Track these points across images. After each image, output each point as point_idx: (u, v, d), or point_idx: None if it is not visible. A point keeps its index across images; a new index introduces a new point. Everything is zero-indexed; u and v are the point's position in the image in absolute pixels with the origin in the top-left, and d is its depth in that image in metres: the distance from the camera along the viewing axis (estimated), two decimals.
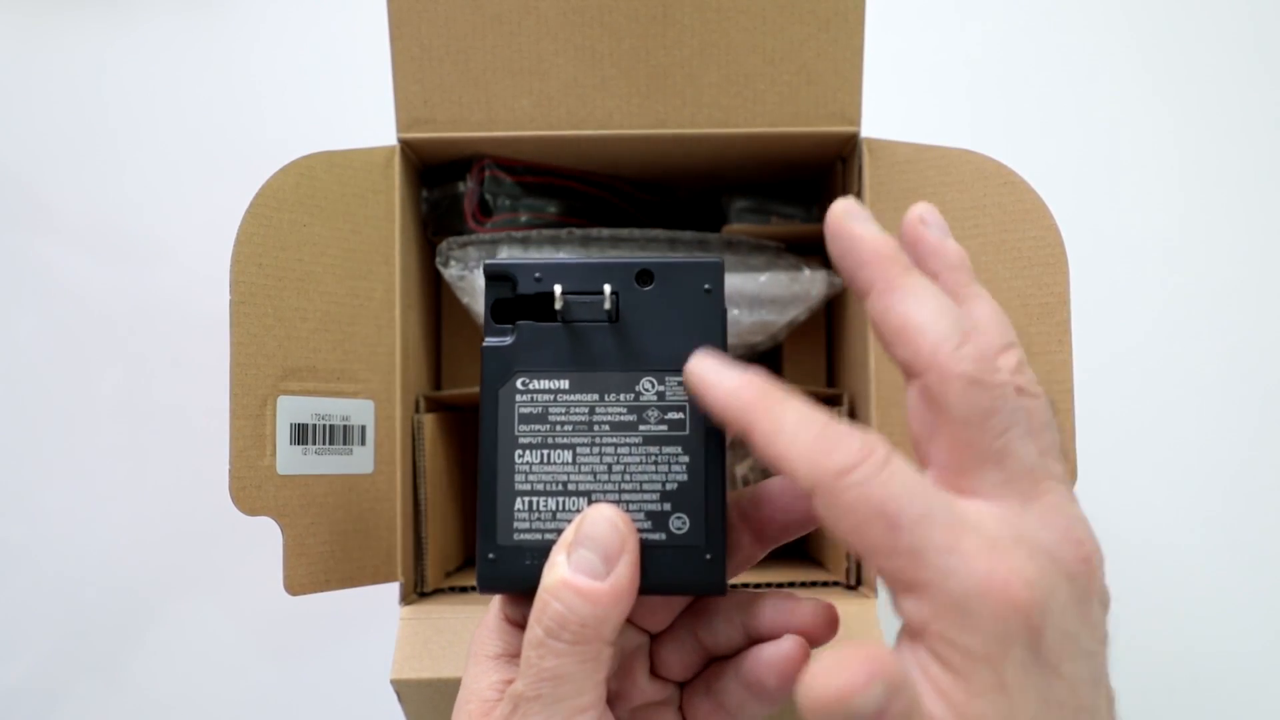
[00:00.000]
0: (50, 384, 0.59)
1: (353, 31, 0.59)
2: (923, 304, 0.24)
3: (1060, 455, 0.25)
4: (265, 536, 0.36)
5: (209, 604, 0.57)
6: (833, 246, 0.26)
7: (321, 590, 0.37)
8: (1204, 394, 0.59)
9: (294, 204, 0.38)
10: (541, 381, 0.26)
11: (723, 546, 0.25)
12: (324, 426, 0.38)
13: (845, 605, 0.38)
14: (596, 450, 0.26)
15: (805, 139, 0.41)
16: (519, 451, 0.26)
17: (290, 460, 0.37)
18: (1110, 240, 0.60)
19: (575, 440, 0.26)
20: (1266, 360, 0.59)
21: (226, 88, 0.61)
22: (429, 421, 0.41)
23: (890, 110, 0.46)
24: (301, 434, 0.37)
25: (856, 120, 0.40)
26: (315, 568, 0.37)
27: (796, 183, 0.47)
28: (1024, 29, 0.62)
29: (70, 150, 0.61)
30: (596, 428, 0.26)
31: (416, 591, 0.40)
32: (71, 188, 0.61)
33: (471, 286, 0.42)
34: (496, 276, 0.27)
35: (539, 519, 0.26)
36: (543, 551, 0.25)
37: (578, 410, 0.26)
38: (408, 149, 0.41)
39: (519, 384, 0.26)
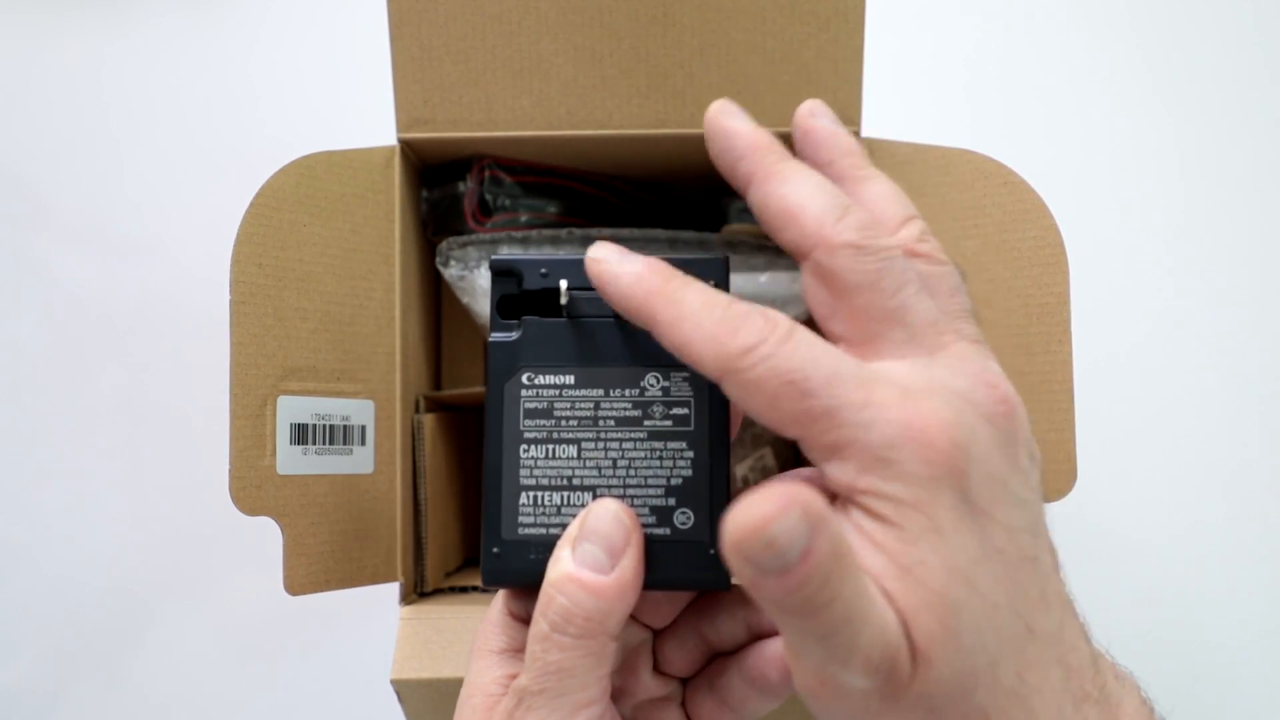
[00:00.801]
0: (50, 384, 0.59)
1: (353, 31, 0.59)
2: (801, 185, 0.25)
3: (972, 319, 0.25)
4: (265, 537, 0.36)
5: (209, 604, 0.57)
6: (711, 146, 0.26)
7: (321, 590, 0.37)
8: (1204, 393, 0.59)
9: (294, 204, 0.38)
10: (547, 376, 0.26)
11: None
12: (324, 426, 0.38)
13: None
14: (601, 445, 0.26)
15: None
16: (524, 446, 0.26)
17: (290, 460, 0.37)
18: (1110, 240, 0.60)
19: (580, 435, 0.26)
20: (1266, 359, 0.59)
21: (226, 87, 0.61)
22: (429, 421, 0.41)
23: (890, 110, 0.46)
24: (301, 434, 0.37)
25: (857, 120, 0.40)
26: (315, 568, 0.37)
27: None
28: (1024, 29, 0.62)
29: (70, 150, 0.61)
30: (601, 423, 0.26)
31: (416, 591, 0.40)
32: (71, 188, 0.61)
33: (471, 287, 0.42)
34: (502, 272, 0.27)
35: (544, 513, 0.26)
36: (547, 546, 0.25)
37: (583, 405, 0.26)
38: (408, 149, 0.41)
39: (524, 379, 0.26)
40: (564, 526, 0.25)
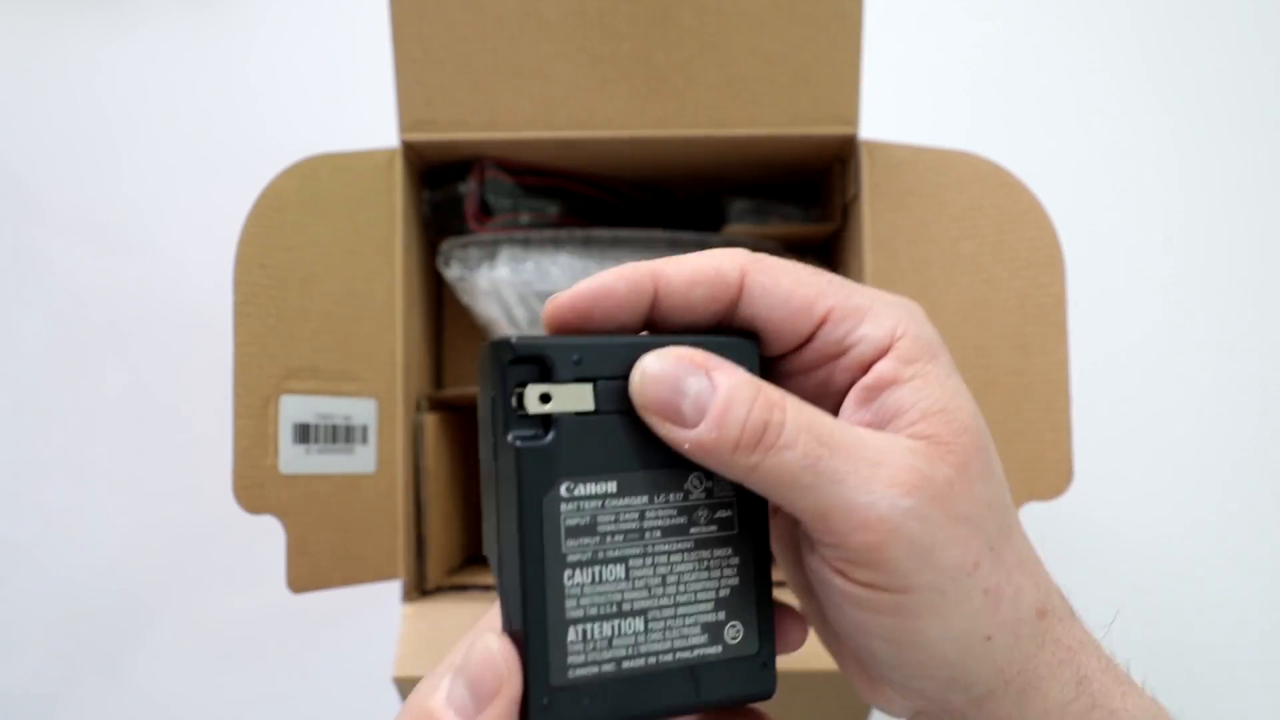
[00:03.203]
0: (52, 385, 0.59)
1: (355, 34, 0.59)
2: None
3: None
4: (268, 535, 0.37)
5: (210, 603, 0.57)
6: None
7: (324, 588, 0.37)
8: (1201, 393, 0.59)
9: (297, 205, 0.38)
10: (588, 486, 0.23)
11: (773, 647, 0.24)
12: (326, 426, 0.38)
13: None
14: (650, 561, 0.23)
15: (804, 141, 0.41)
16: (568, 572, 0.22)
17: (293, 459, 0.37)
18: (1107, 240, 0.60)
19: (628, 552, 0.23)
20: (1263, 359, 0.60)
21: (228, 90, 0.61)
22: (430, 421, 0.41)
23: (888, 112, 0.47)
24: (304, 433, 0.37)
25: (855, 122, 0.40)
26: (318, 566, 0.37)
27: (796, 184, 0.47)
28: (1021, 31, 0.63)
29: (71, 151, 0.61)
30: (648, 535, 0.23)
31: (418, 589, 0.41)
32: (73, 189, 0.61)
33: (472, 287, 0.43)
34: (527, 358, 0.22)
35: (594, 649, 0.22)
36: (603, 687, 0.22)
37: (628, 517, 0.23)
38: (410, 151, 0.41)
39: (564, 491, 0.22)
40: (617, 663, 0.22)
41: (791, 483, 0.22)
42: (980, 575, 0.22)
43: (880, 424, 0.23)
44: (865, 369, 0.23)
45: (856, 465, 0.22)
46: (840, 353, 0.24)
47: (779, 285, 0.23)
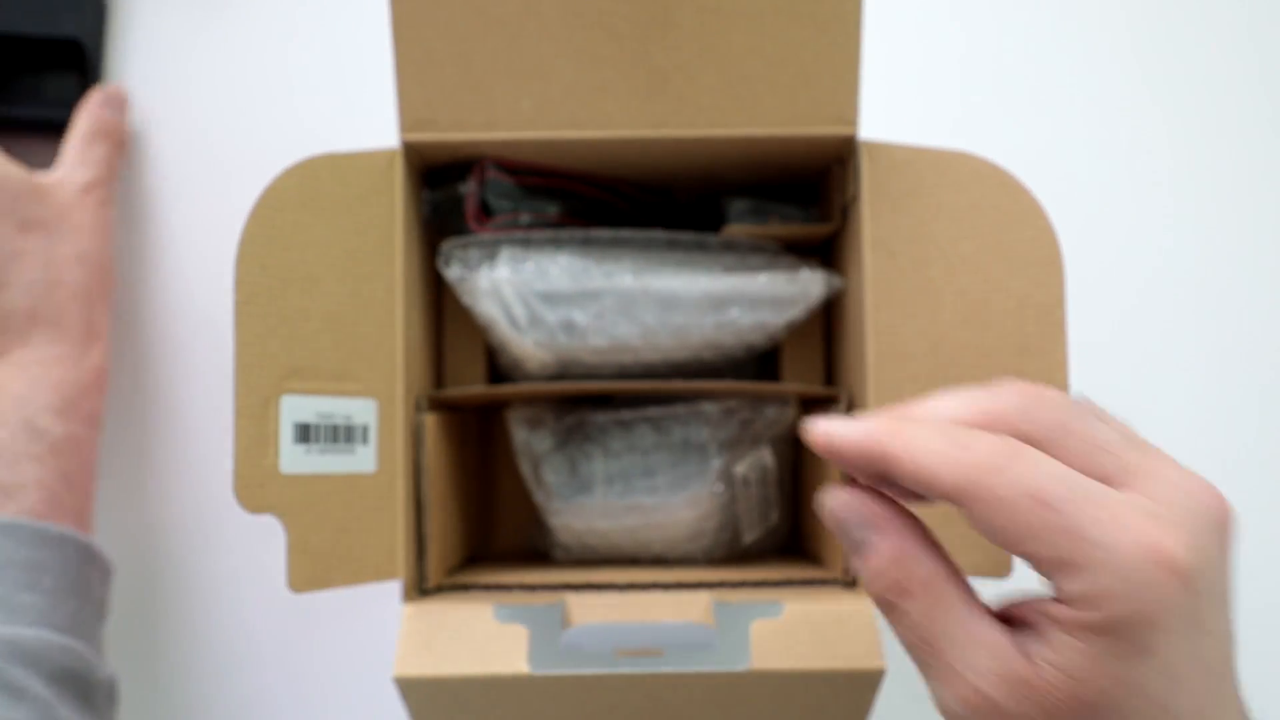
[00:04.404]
0: None
1: (355, 34, 0.60)
2: (925, 442, 0.25)
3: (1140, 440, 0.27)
4: (268, 535, 0.37)
5: (210, 602, 0.58)
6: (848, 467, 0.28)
7: (324, 587, 0.37)
8: (1202, 393, 0.59)
9: (297, 205, 0.38)
10: None
11: None
12: (327, 426, 0.38)
13: (843, 604, 0.38)
14: None
15: (804, 141, 0.41)
16: None
17: (293, 459, 0.37)
18: (1106, 241, 0.60)
19: None
20: (1265, 360, 0.60)
21: (228, 89, 0.61)
22: (431, 421, 0.42)
23: (887, 112, 0.47)
24: (304, 433, 0.38)
25: (854, 122, 0.40)
26: (318, 565, 0.37)
27: (795, 184, 0.48)
28: (1021, 31, 0.63)
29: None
30: None
31: (419, 589, 0.41)
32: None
33: (473, 287, 0.43)
34: None
35: None
36: None
37: None
38: (410, 151, 0.42)
39: None
40: None
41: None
42: None
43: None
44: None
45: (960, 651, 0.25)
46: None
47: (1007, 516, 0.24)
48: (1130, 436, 0.26)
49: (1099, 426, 0.26)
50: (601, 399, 0.48)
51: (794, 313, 0.44)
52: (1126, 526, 0.23)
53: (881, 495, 0.27)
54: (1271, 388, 0.60)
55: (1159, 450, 0.26)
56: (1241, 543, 0.28)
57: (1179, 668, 0.24)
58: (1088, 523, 0.23)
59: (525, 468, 0.47)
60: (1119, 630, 0.23)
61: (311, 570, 0.37)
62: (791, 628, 0.37)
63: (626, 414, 0.47)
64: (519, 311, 0.43)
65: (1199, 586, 0.23)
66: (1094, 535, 0.23)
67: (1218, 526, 0.25)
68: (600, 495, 0.46)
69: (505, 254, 0.43)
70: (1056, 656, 0.23)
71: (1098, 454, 0.25)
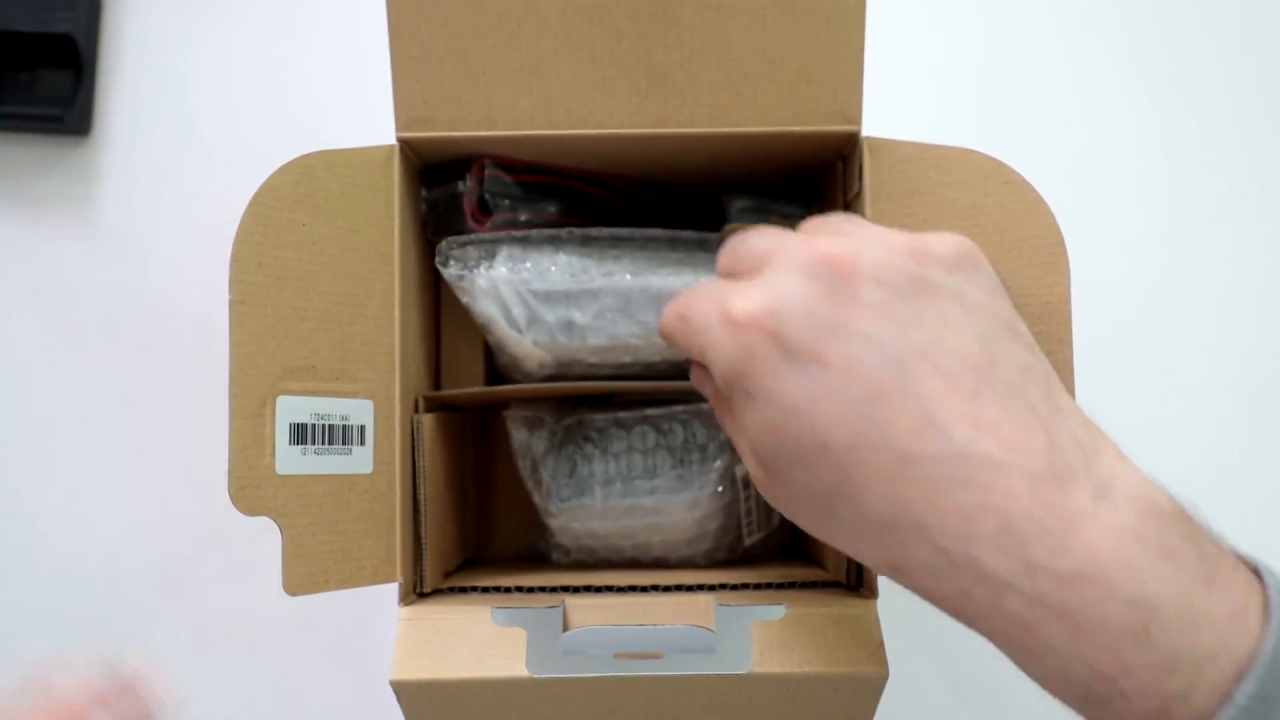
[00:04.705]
0: (50, 383, 0.59)
1: (351, 30, 0.59)
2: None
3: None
4: (264, 537, 0.36)
5: (207, 604, 0.57)
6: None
7: (320, 590, 0.37)
8: (1208, 393, 0.59)
9: (293, 203, 0.37)
10: None
11: None
12: (323, 426, 0.38)
13: (845, 606, 0.38)
14: None
15: (805, 138, 0.41)
16: None
17: (289, 460, 0.37)
18: (1113, 239, 0.60)
19: None
20: (1270, 359, 0.59)
21: (223, 86, 0.61)
22: (428, 421, 0.41)
23: (890, 109, 0.46)
24: (301, 434, 0.37)
25: (857, 119, 0.40)
26: (314, 568, 0.37)
27: (796, 182, 0.47)
28: (1026, 28, 0.62)
29: (66, 148, 0.61)
30: None
31: (416, 592, 0.40)
32: (68, 187, 0.60)
33: (471, 286, 0.42)
34: None
35: None
36: None
37: None
38: (407, 148, 0.41)
39: None
40: None
41: None
42: None
43: None
44: None
45: None
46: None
47: None
48: (780, 234, 0.29)
49: (755, 238, 0.30)
50: (601, 399, 0.47)
51: None
52: (712, 303, 0.28)
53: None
54: (1276, 385, 0.59)
55: (799, 235, 0.30)
56: (1242, 538, 0.28)
57: (792, 400, 0.26)
58: (697, 316, 0.29)
59: (524, 469, 0.47)
60: (730, 388, 0.28)
61: (307, 573, 0.36)
62: (793, 631, 0.36)
63: (626, 414, 0.46)
64: (518, 311, 0.42)
65: (788, 329, 0.26)
66: (698, 323, 0.29)
67: (811, 273, 0.27)
68: (600, 497, 0.45)
69: (504, 253, 0.42)
70: (726, 429, 0.31)
71: (742, 261, 0.29)
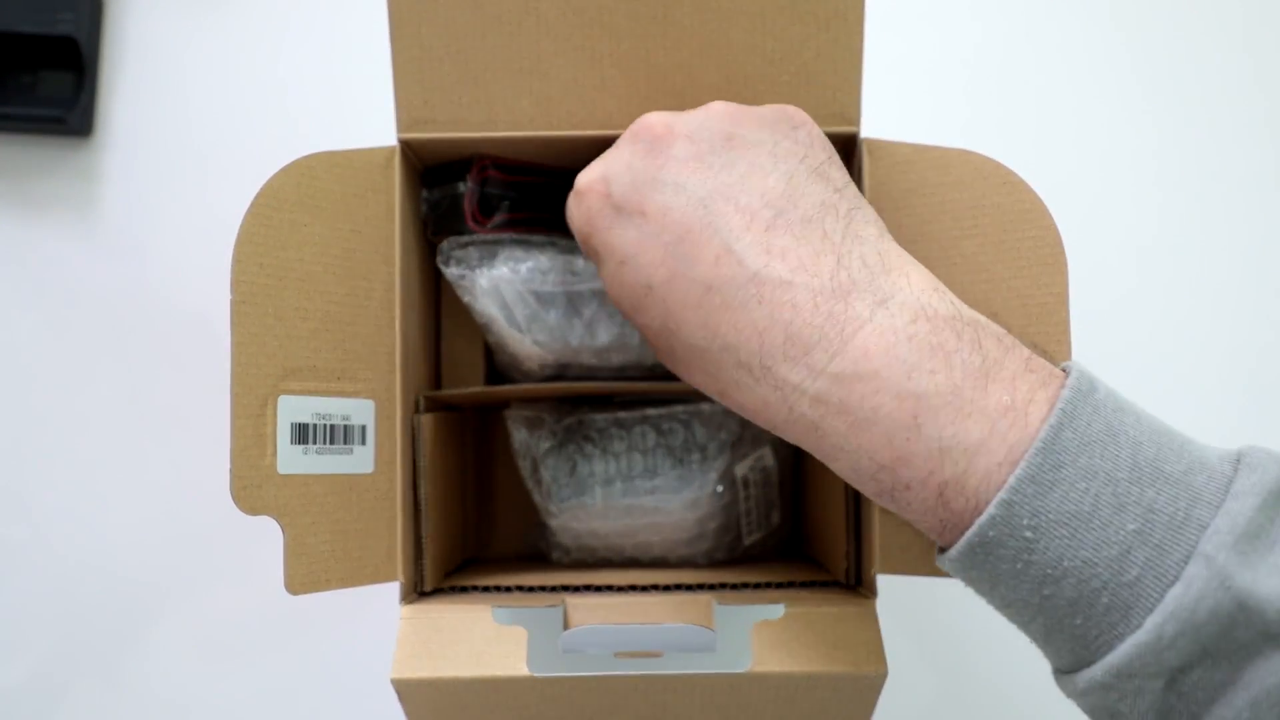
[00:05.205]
0: (49, 383, 0.59)
1: (352, 31, 0.59)
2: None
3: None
4: (265, 536, 0.36)
5: (209, 603, 0.57)
6: None
7: (322, 589, 0.37)
8: (1207, 393, 0.59)
9: (294, 204, 0.38)
10: None
11: None
12: (324, 426, 0.38)
13: (845, 606, 0.38)
14: None
15: None
16: None
17: (291, 460, 0.37)
18: (1110, 239, 0.60)
19: None
20: (1269, 359, 0.59)
21: (224, 87, 0.61)
22: (429, 421, 0.41)
23: (890, 111, 0.47)
24: (302, 434, 0.37)
25: (856, 121, 0.40)
26: (315, 567, 0.37)
27: None
28: (1024, 29, 0.62)
29: (67, 148, 0.61)
30: None
31: (416, 591, 0.40)
32: (69, 186, 0.60)
33: (472, 286, 0.43)
34: None
35: None
36: None
37: None
38: (408, 149, 0.41)
39: None
40: None
41: None
42: None
43: None
44: None
45: None
46: None
47: None
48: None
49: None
50: (601, 399, 0.48)
51: None
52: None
53: None
54: (1270, 382, 0.59)
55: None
56: None
57: (623, 250, 0.30)
58: (569, 204, 0.35)
59: (524, 468, 0.47)
60: (588, 255, 0.33)
61: (309, 572, 0.36)
62: (793, 630, 0.37)
63: (626, 414, 0.46)
64: (519, 310, 0.42)
65: (614, 189, 0.31)
66: (568, 208, 0.35)
67: (634, 139, 0.32)
68: (600, 496, 0.45)
69: (505, 253, 0.42)
70: None
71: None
